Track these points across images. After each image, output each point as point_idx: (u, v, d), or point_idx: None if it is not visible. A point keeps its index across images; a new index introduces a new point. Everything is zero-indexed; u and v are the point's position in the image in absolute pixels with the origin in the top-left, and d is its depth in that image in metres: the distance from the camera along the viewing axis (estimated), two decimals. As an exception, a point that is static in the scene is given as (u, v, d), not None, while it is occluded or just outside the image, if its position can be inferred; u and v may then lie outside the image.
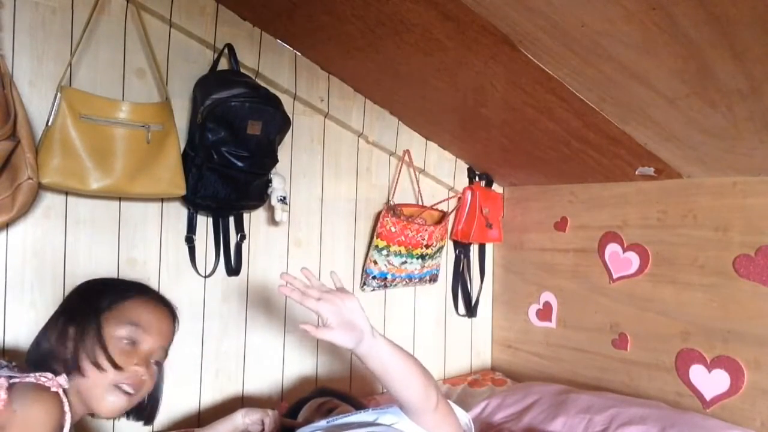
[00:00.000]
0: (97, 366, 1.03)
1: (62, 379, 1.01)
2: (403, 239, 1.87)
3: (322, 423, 1.23)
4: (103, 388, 1.04)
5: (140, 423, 1.21)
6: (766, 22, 0.95)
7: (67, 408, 0.98)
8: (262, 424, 1.31)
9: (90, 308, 1.09)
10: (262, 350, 1.74)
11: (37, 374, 0.99)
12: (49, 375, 0.99)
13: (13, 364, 1.06)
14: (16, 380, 0.96)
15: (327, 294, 1.06)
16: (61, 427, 0.97)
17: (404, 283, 1.96)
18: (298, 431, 1.23)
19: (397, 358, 1.10)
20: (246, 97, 1.45)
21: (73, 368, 1.03)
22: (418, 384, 1.12)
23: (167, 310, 1.18)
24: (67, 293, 1.20)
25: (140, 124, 1.38)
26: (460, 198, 2.10)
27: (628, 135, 1.48)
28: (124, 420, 1.52)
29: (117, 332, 1.07)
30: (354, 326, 1.05)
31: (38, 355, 1.08)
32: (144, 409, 1.19)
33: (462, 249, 2.18)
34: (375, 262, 1.87)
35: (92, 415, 1.09)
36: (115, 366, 1.03)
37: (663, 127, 1.40)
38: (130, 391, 1.06)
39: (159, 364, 1.14)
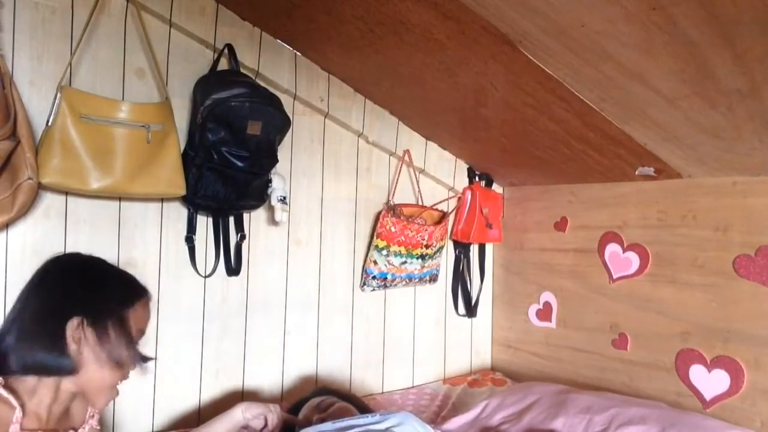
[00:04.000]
0: (121, 366, 0.98)
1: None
2: (403, 239, 1.87)
3: (328, 425, 1.23)
4: (110, 387, 1.01)
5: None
6: (766, 22, 0.95)
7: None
8: (264, 419, 1.28)
9: (108, 302, 1.01)
10: (262, 350, 1.74)
11: None
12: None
13: None
14: None
15: None
16: None
17: (404, 283, 1.96)
18: (303, 431, 1.23)
19: None
20: (246, 97, 1.45)
21: (72, 365, 0.96)
22: None
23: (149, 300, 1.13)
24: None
25: (140, 124, 1.38)
26: (460, 198, 2.10)
27: (628, 135, 1.48)
28: (124, 415, 1.52)
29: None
30: None
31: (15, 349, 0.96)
32: None
33: (462, 249, 2.18)
34: (375, 262, 1.87)
35: None
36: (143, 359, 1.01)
37: (663, 127, 1.40)
38: (119, 386, 1.05)
39: None
